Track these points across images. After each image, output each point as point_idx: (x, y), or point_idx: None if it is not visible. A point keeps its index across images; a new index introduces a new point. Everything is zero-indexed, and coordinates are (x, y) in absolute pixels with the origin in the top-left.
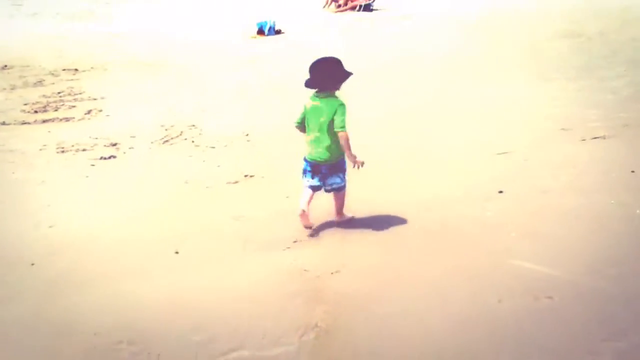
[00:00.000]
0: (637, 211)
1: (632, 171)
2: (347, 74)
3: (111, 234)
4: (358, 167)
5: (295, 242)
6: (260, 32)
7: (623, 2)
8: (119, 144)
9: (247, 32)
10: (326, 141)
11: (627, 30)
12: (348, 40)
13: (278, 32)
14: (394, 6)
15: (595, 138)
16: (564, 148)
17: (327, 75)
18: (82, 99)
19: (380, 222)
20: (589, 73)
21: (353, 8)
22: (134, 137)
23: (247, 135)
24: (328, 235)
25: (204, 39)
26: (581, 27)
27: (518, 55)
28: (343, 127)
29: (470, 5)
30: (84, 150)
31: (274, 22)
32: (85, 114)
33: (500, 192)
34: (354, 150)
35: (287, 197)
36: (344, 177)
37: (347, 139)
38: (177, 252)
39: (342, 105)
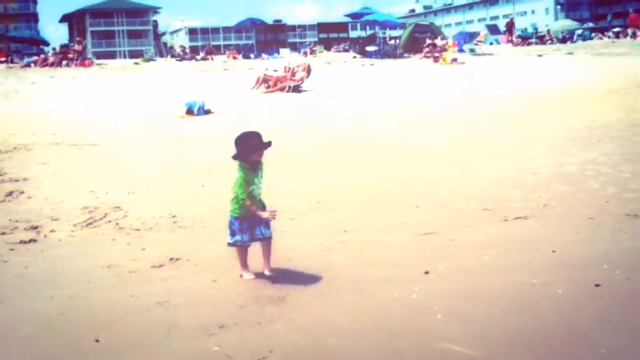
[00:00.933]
0: (559, 291)
1: (553, 251)
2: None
3: (27, 322)
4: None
5: (221, 327)
6: (190, 112)
7: (542, 84)
8: (40, 227)
9: (176, 112)
10: None
11: (547, 111)
12: (277, 120)
13: (207, 111)
14: (321, 87)
15: (517, 218)
16: (487, 228)
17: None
18: (2, 181)
19: (308, 304)
20: (510, 154)
21: (282, 89)
22: (56, 219)
23: (173, 217)
24: (255, 317)
25: (131, 119)
26: (502, 109)
27: (440, 136)
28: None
29: (396, 92)
30: (2, 233)
31: (203, 102)
32: (6, 195)
33: (426, 272)
34: None
35: (214, 280)
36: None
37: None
38: (97, 340)
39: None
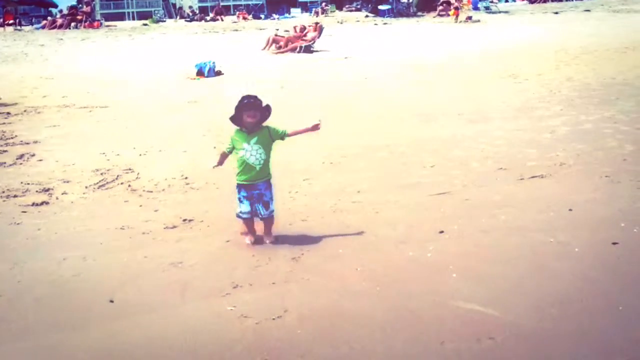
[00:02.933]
0: (576, 249)
1: (570, 210)
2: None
3: (41, 283)
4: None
5: (235, 287)
6: (200, 73)
7: (558, 42)
8: (52, 189)
9: (187, 73)
10: None
11: (563, 69)
12: (288, 81)
13: (218, 73)
14: (334, 48)
15: (533, 177)
16: (502, 187)
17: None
18: (13, 143)
19: (322, 264)
20: (527, 113)
21: (293, 49)
22: (67, 182)
23: (185, 178)
24: (269, 277)
25: (141, 81)
26: (518, 68)
27: (457, 96)
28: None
29: (410, 52)
30: (14, 196)
31: (213, 64)
32: (17, 158)
33: (441, 232)
34: None
35: (227, 241)
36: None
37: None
38: (111, 301)
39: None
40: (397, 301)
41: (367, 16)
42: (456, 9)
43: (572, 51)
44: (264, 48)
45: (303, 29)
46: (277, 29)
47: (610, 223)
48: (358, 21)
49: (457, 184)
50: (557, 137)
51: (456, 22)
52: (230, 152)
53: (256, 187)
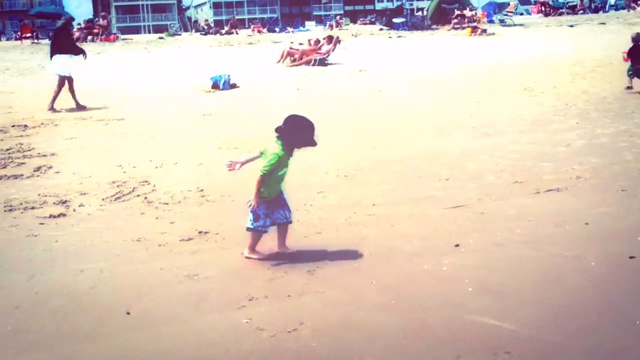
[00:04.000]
0: (592, 263)
1: (586, 223)
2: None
3: (58, 295)
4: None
5: (250, 300)
6: (215, 86)
7: (574, 55)
8: (69, 201)
9: (202, 86)
10: None
11: (578, 82)
12: (303, 93)
13: (233, 86)
14: (348, 61)
15: (549, 190)
16: (518, 201)
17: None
18: (31, 156)
19: (337, 277)
20: (542, 126)
21: (308, 62)
22: (84, 194)
23: (201, 191)
24: (285, 290)
25: (157, 94)
26: (534, 81)
27: (472, 109)
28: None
29: (423, 63)
30: (32, 208)
31: (228, 76)
32: (35, 170)
33: (457, 245)
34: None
35: (242, 253)
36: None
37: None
38: (128, 313)
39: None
40: (413, 314)
41: (381, 29)
42: (474, 28)
43: (588, 64)
44: (279, 61)
45: (317, 42)
46: (292, 42)
47: (626, 237)
48: (372, 34)
49: (472, 197)
50: (573, 150)
51: (471, 35)
52: (271, 174)
53: (280, 195)
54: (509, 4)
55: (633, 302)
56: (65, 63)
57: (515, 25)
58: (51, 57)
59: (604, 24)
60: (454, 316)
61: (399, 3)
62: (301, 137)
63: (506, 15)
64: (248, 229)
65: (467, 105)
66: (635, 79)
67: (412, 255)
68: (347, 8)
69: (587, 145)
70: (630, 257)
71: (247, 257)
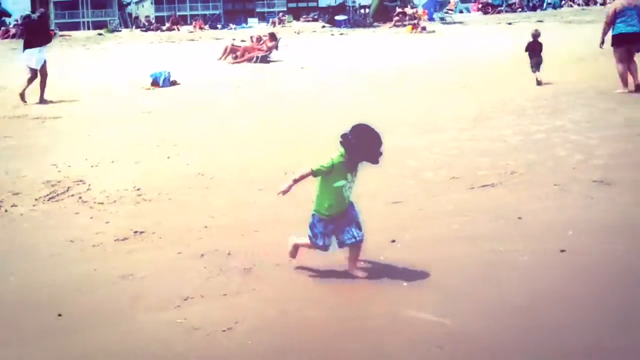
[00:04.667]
0: (525, 257)
1: (519, 218)
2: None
3: None
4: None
5: (186, 299)
6: (155, 83)
7: (511, 53)
8: (1, 201)
9: (142, 83)
10: None
11: (516, 79)
12: (244, 90)
13: (173, 83)
14: (290, 58)
15: (484, 186)
16: (455, 196)
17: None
18: None
19: (273, 274)
20: (480, 122)
21: (250, 59)
22: (17, 194)
23: (138, 189)
24: (221, 289)
25: (94, 91)
26: (473, 78)
27: (412, 105)
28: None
29: (366, 62)
30: None
31: (168, 73)
32: None
33: (393, 241)
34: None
35: (179, 253)
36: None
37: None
38: (60, 315)
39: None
40: (349, 311)
41: (323, 27)
42: (415, 25)
43: (525, 61)
44: (221, 58)
45: (259, 39)
46: (234, 39)
47: (558, 231)
48: (315, 31)
49: (411, 193)
50: (509, 146)
51: (412, 32)
52: (319, 175)
53: (346, 212)
54: (449, 2)
55: (563, 295)
56: (37, 57)
57: (455, 23)
58: (24, 49)
59: (541, 21)
60: (390, 312)
61: (342, 1)
62: (365, 151)
63: (446, 13)
64: (311, 241)
65: (408, 102)
66: (538, 73)
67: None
68: (291, 5)
69: (523, 141)
70: (561, 251)
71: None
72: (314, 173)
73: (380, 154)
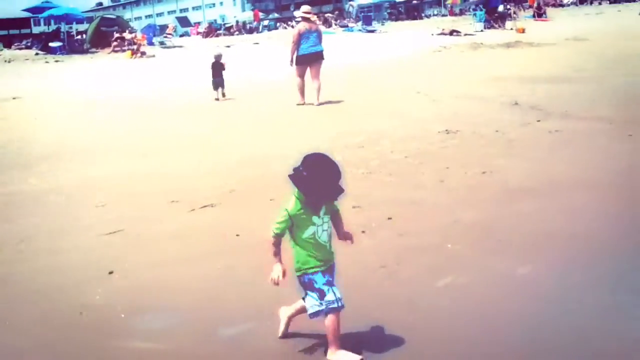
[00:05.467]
0: (241, 272)
1: (237, 235)
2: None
3: None
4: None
5: None
6: None
7: (228, 76)
8: None
9: None
10: None
11: (243, 101)
12: None
13: None
14: None
15: (204, 207)
16: (175, 220)
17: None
18: None
19: None
20: (204, 144)
21: None
22: None
23: None
24: None
25: None
26: (197, 100)
27: (131, 131)
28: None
29: (80, 88)
30: None
31: None
32: None
33: (111, 272)
34: None
35: None
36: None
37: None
38: None
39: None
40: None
41: (37, 54)
42: (133, 51)
43: (236, 86)
44: None
45: None
46: None
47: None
48: (27, 59)
49: (129, 220)
50: (230, 165)
51: (132, 57)
52: (283, 234)
53: (332, 269)
54: (167, 27)
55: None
56: None
57: (175, 46)
58: None
59: (257, 43)
60: (114, 346)
61: (57, 26)
62: (321, 185)
63: (165, 37)
64: (315, 314)
65: (127, 127)
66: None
67: (58, 289)
68: (1, 33)
69: (245, 159)
70: None
71: None
72: (276, 236)
73: (342, 190)
